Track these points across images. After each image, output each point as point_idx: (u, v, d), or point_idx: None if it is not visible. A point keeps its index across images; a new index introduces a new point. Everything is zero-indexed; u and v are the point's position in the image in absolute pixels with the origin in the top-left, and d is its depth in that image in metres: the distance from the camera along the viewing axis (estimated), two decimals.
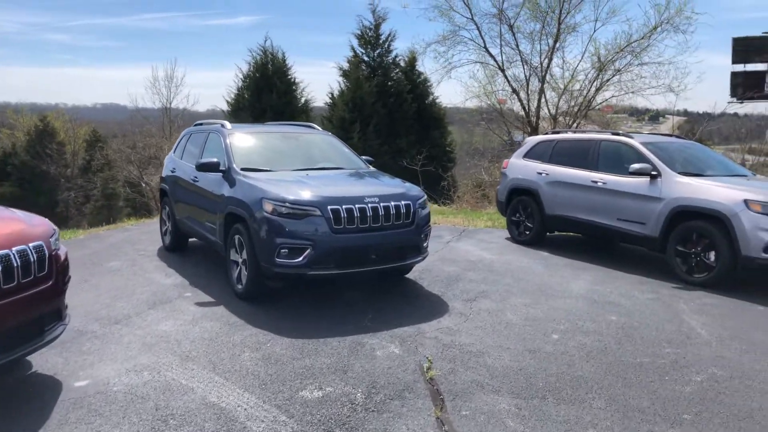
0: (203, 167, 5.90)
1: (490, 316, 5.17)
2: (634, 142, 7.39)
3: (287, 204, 5.01)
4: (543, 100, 17.28)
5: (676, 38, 18.79)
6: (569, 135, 8.60)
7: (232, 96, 15.75)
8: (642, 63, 16.31)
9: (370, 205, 5.19)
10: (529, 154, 8.90)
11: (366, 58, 17.66)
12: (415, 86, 17.85)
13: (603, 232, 7.57)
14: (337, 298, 5.65)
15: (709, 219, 6.30)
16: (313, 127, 7.39)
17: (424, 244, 5.75)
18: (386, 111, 16.63)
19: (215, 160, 5.94)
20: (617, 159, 7.46)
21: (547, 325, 4.96)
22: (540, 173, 8.48)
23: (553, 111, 17.33)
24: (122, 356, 4.15)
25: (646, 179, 6.94)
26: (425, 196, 5.93)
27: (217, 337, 4.52)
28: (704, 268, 6.33)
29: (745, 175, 7.26)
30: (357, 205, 5.13)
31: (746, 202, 5.99)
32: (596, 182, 7.56)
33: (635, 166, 6.94)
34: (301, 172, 5.86)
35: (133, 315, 5.06)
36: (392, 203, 5.35)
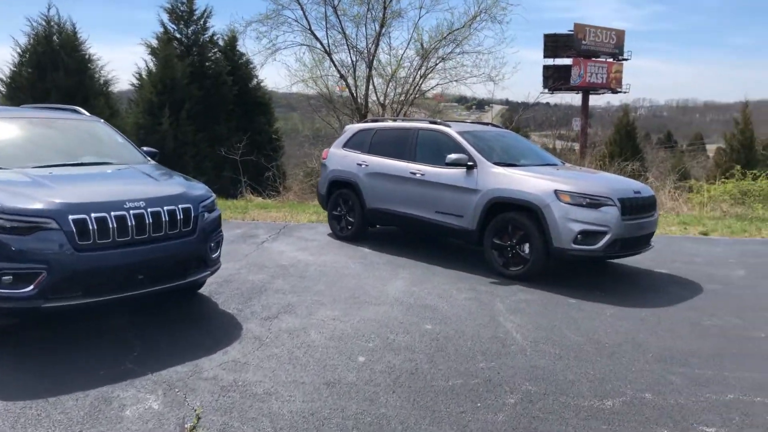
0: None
1: (290, 338, 4.35)
2: (451, 131, 7.04)
3: (5, 215, 3.70)
4: (371, 86, 16.95)
5: (494, 28, 19.64)
6: (388, 123, 8.09)
7: (7, 74, 13.05)
8: (464, 51, 16.69)
9: (132, 212, 4.07)
10: (349, 144, 8.25)
11: (179, 35, 15.81)
12: (237, 68, 16.43)
13: (422, 226, 7.16)
14: (104, 327, 4.46)
15: (522, 210, 6.12)
16: (79, 112, 5.91)
17: (214, 255, 4.77)
18: (203, 94, 15.03)
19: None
20: (435, 149, 7.07)
21: (355, 343, 4.28)
22: (359, 164, 7.87)
23: (381, 98, 17.07)
24: None
25: (462, 170, 6.62)
26: (213, 197, 4.92)
27: None
28: (519, 261, 6.16)
29: (555, 164, 7.28)
30: (113, 213, 3.98)
31: (556, 192, 5.87)
32: (414, 173, 7.12)
33: (451, 156, 6.57)
34: (44, 169, 4.48)
35: None
36: (165, 208, 4.25)
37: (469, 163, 6.56)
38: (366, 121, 8.27)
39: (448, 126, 7.19)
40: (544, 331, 4.63)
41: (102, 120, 6.11)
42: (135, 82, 15.24)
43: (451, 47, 16.37)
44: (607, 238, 5.76)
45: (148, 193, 4.33)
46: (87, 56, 13.88)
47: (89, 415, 3.15)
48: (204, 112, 15.02)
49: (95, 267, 3.89)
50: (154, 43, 15.15)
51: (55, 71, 12.96)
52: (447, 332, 4.55)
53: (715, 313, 5.21)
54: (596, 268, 6.74)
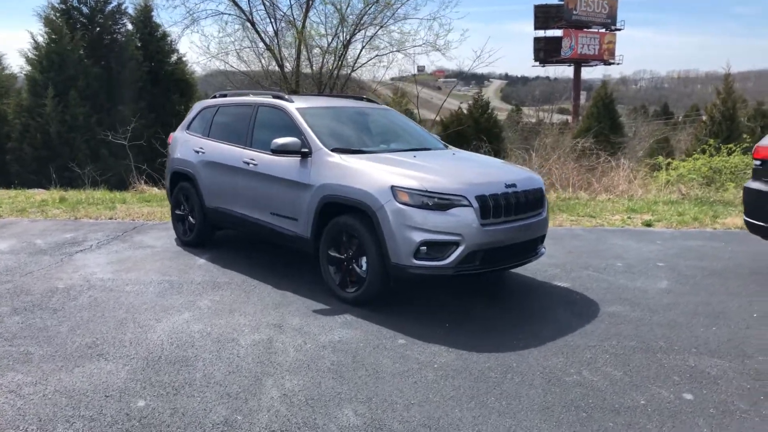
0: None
1: None
2: (289, 107, 5.40)
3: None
4: (303, 57, 15.15)
5: None
6: (231, 99, 6.41)
7: None
8: (405, 17, 14.87)
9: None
10: (192, 126, 6.61)
11: (77, 4, 13.94)
12: (150, 42, 14.63)
13: (260, 232, 5.57)
14: None
15: (357, 213, 4.53)
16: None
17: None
18: (103, 71, 13.27)
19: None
20: (274, 131, 5.40)
21: None
22: (197, 151, 6.24)
23: (315, 71, 15.29)
24: None
25: (297, 159, 5.02)
26: None
27: None
28: (356, 280, 4.60)
29: (429, 149, 5.64)
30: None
31: (393, 189, 4.27)
32: (248, 163, 5.51)
33: (278, 141, 4.93)
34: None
35: None
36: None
37: (303, 150, 4.96)
38: (215, 96, 6.64)
39: (289, 101, 5.54)
40: (317, 407, 3.08)
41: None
42: (23, 61, 13.44)
43: (386, 12, 14.54)
44: (459, 250, 4.17)
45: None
46: None
47: None
48: (106, 91, 13.28)
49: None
50: (47, 13, 13.32)
51: None
52: (161, 411, 2.99)
53: (594, 358, 3.67)
54: (475, 282, 5.19)
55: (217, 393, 3.22)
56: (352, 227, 4.51)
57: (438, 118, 21.19)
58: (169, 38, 15.16)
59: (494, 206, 4.29)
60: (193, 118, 6.60)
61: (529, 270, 5.52)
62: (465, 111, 20.00)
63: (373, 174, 4.46)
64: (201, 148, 6.19)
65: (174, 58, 15.35)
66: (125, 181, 11.81)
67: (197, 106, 6.75)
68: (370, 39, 14.96)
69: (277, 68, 15.06)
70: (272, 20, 14.49)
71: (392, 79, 24.25)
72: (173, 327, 4.14)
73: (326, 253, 4.76)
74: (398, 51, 15.20)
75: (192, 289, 5.01)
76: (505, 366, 3.58)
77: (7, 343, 3.83)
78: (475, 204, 4.20)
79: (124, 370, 3.47)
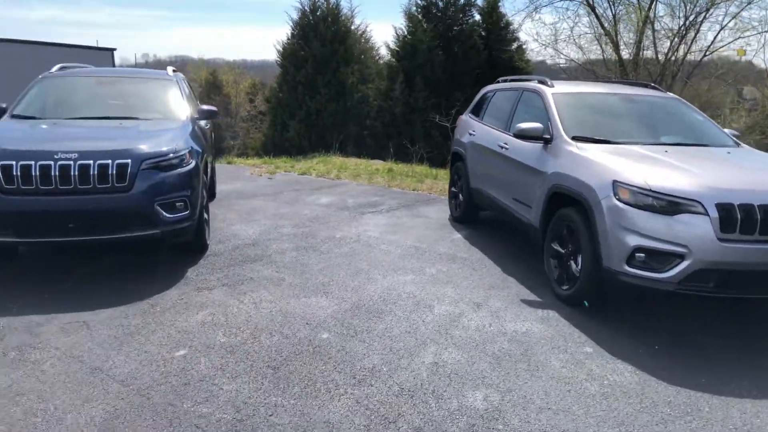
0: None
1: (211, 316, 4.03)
2: (545, 91, 5.29)
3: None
4: (647, 41, 13.86)
5: None
6: (504, 84, 6.53)
7: (283, 46, 15.18)
8: None
9: None
10: (473, 109, 7.03)
11: (436, 1, 15.63)
12: (491, 32, 15.52)
13: (505, 216, 5.67)
14: None
15: (578, 206, 4.26)
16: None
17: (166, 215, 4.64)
18: (446, 60, 14.70)
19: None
20: (529, 116, 5.41)
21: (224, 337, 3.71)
22: (471, 133, 6.65)
23: (657, 56, 13.84)
24: None
25: (539, 145, 4.95)
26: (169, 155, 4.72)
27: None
28: (571, 278, 4.34)
29: (707, 145, 4.79)
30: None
31: (614, 184, 3.88)
32: (502, 147, 5.64)
33: (521, 125, 4.95)
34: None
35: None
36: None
37: (545, 136, 4.85)
38: (498, 81, 6.84)
39: (549, 85, 5.41)
40: (454, 382, 3.18)
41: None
42: (393, 48, 15.81)
43: None
44: (684, 265, 3.55)
45: None
46: (345, 28, 15.06)
47: None
48: (447, 78, 14.75)
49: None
50: (409, 9, 15.44)
51: (314, 41, 14.50)
52: (333, 346, 3.53)
53: None
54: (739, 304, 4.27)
55: (383, 345, 3.61)
56: (572, 221, 4.26)
57: None
58: (510, 27, 15.85)
59: (744, 219, 3.48)
60: (476, 103, 7.00)
61: None
62: None
63: (599, 166, 4.11)
64: (473, 130, 6.56)
65: (514, 46, 15.97)
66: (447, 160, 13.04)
67: (481, 91, 7.10)
68: (735, 16, 12.69)
69: (615, 56, 14.20)
70: (611, 4, 13.67)
71: None
72: (391, 284, 4.69)
73: (550, 245, 4.61)
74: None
75: (431, 257, 5.48)
76: (689, 406, 2.99)
77: (275, 270, 4.98)
78: (714, 212, 3.50)
79: (331, 308, 4.17)
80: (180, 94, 6.01)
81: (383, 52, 16.60)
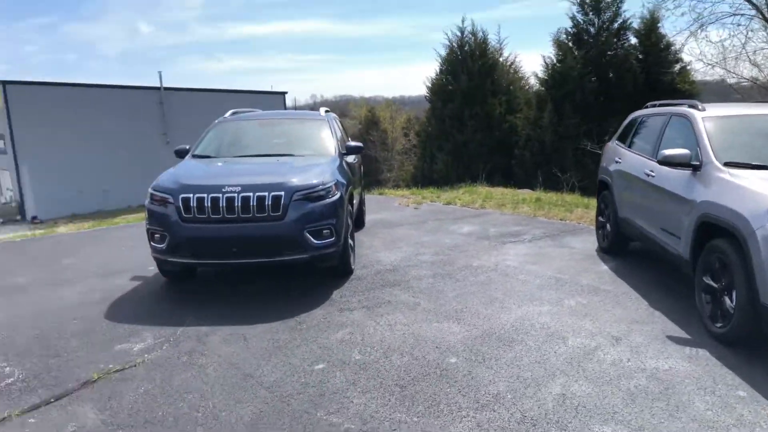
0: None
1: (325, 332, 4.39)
2: (695, 115, 4.95)
3: None
4: None
5: None
6: (650, 110, 6.16)
7: (432, 82, 15.67)
8: None
9: None
10: (620, 135, 6.75)
11: (586, 26, 15.17)
12: (648, 54, 14.63)
13: (653, 246, 5.33)
14: None
15: (729, 237, 3.91)
16: None
17: (315, 241, 5.12)
18: (598, 85, 14.14)
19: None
20: (677, 141, 5.10)
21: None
22: (617, 160, 6.39)
23: None
24: None
25: (687, 172, 4.64)
26: (318, 186, 5.19)
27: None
28: (725, 315, 3.98)
29: None
30: None
31: None
32: (648, 174, 5.36)
33: (666, 152, 4.69)
34: None
35: None
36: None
37: (694, 162, 4.54)
38: (646, 106, 6.47)
39: (701, 109, 5.03)
40: (581, 416, 3.10)
41: None
42: (541, 77, 15.62)
43: None
44: None
45: None
46: (491, 61, 15.19)
47: None
48: (600, 103, 14.18)
49: None
50: (558, 37, 15.16)
51: (462, 75, 14.83)
52: (459, 370, 3.62)
53: None
54: None
55: (510, 373, 3.62)
56: (724, 253, 3.93)
57: None
58: (672, 48, 14.80)
59: None
60: (623, 129, 6.71)
61: None
62: None
63: (753, 193, 3.77)
64: (619, 158, 6.30)
65: (676, 67, 14.88)
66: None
67: (629, 118, 6.79)
68: None
69: None
70: None
71: None
72: (525, 314, 4.66)
73: (701, 278, 4.27)
74: None
75: (571, 289, 5.33)
76: None
77: (412, 294, 5.20)
78: None
79: (462, 334, 4.26)
80: (330, 132, 6.60)
81: (532, 81, 16.44)
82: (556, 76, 14.30)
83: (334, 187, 5.28)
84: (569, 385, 3.44)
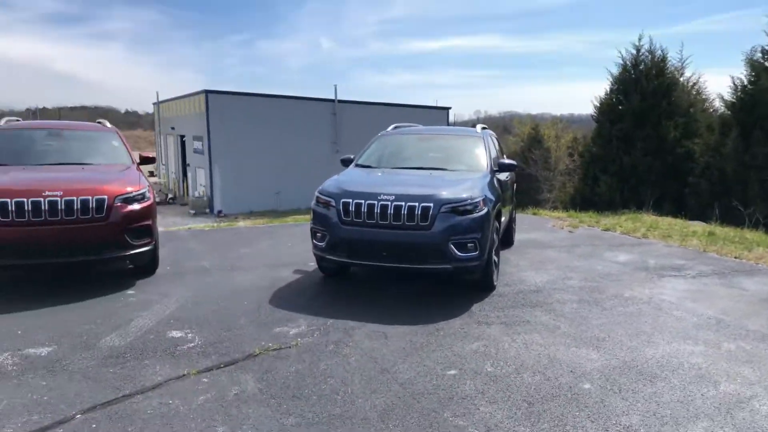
0: None
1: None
2: None
3: None
4: None
5: None
6: None
7: (600, 101, 14.90)
8: None
9: None
10: None
11: None
12: None
13: None
14: None
15: None
16: None
17: (459, 253, 5.31)
18: None
19: None
20: None
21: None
22: None
23: None
24: None
25: None
26: (466, 200, 5.37)
27: None
28: None
29: None
30: None
31: None
32: None
33: None
34: None
35: None
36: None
37: None
38: None
39: None
40: None
41: None
42: (721, 102, 14.17)
43: None
44: None
45: None
46: (668, 82, 14.11)
47: None
48: None
49: None
50: (752, 56, 13.64)
51: (634, 95, 14.00)
52: (593, 396, 3.56)
53: None
54: None
55: (647, 408, 3.48)
56: None
57: None
58: None
59: None
60: None
61: None
62: None
63: None
64: None
65: None
66: None
67: None
68: None
69: None
70: None
71: None
72: (674, 351, 4.39)
73: None
74: None
75: (734, 332, 4.89)
76: None
77: (553, 317, 5.15)
78: None
79: (600, 362, 4.16)
80: (484, 148, 6.75)
81: (717, 104, 14.99)
82: (746, 98, 12.89)
83: (481, 203, 5.43)
84: (713, 430, 3.22)
